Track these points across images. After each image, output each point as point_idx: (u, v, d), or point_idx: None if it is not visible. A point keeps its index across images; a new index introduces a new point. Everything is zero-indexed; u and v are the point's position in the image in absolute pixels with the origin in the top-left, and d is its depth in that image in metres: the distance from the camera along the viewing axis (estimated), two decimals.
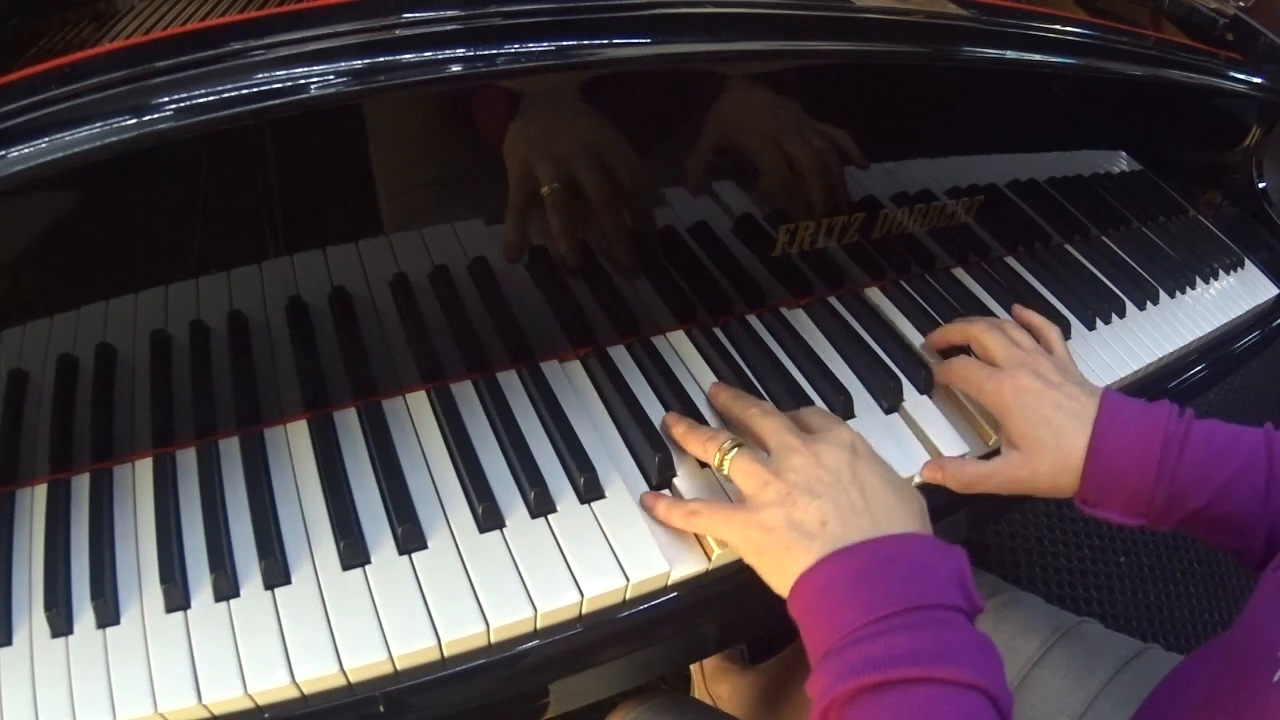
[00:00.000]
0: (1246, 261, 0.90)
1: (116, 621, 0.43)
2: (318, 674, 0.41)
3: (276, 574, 0.44)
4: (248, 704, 0.41)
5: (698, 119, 0.51)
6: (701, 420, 0.54)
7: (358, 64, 0.39)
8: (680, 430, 0.51)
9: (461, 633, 0.43)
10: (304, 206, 0.45)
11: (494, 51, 0.41)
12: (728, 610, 0.51)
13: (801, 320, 0.64)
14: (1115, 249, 0.82)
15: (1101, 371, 0.67)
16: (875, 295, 0.68)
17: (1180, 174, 0.90)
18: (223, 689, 0.40)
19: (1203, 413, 0.52)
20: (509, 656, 0.45)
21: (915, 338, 0.65)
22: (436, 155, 0.47)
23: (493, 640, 0.45)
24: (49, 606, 0.42)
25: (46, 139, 0.35)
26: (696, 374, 0.58)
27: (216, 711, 0.41)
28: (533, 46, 0.42)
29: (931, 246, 0.70)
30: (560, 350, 0.57)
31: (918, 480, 0.55)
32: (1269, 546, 0.49)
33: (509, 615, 0.44)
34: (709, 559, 0.48)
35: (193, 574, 0.44)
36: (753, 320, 0.63)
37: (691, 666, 1.08)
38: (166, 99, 0.36)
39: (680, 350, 0.60)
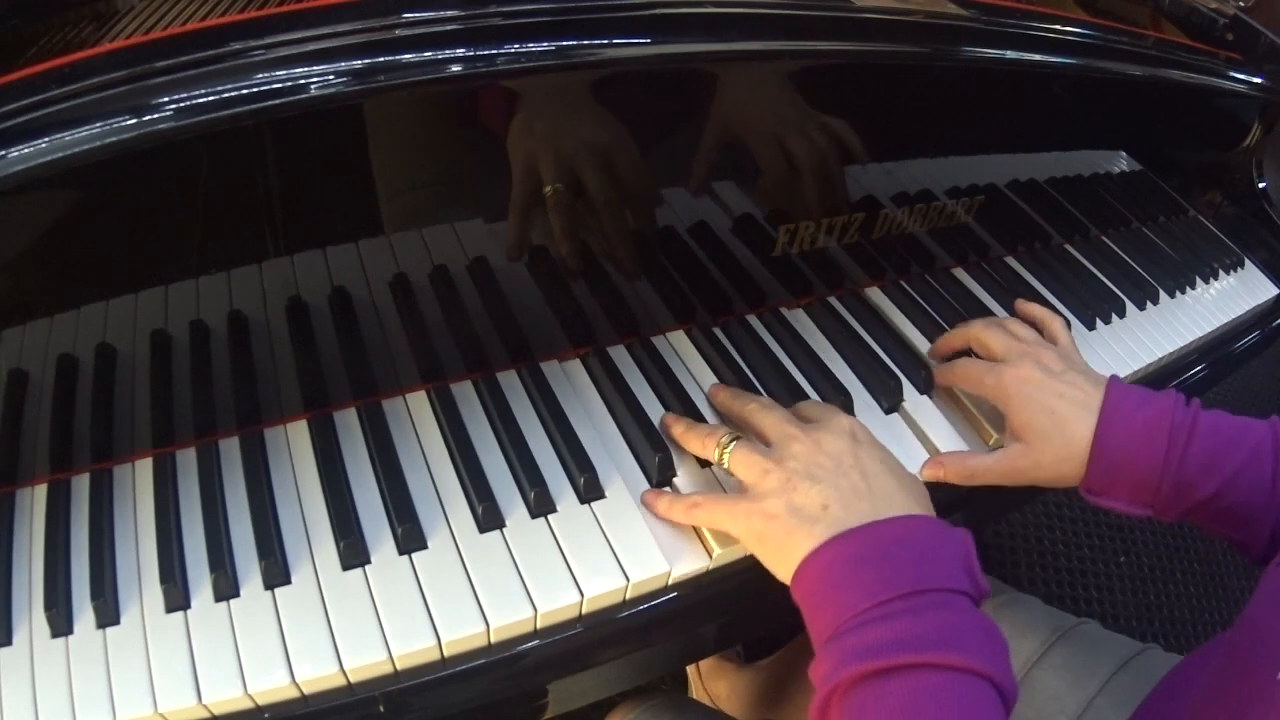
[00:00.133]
0: (1246, 261, 0.90)
1: (116, 621, 0.43)
2: (318, 674, 0.41)
3: (276, 574, 0.44)
4: (248, 704, 0.41)
5: (698, 119, 0.51)
6: (702, 420, 0.54)
7: (358, 64, 0.39)
8: (679, 430, 0.51)
9: (461, 633, 0.43)
10: (304, 206, 0.45)
11: (494, 51, 0.41)
12: (727, 611, 0.51)
13: (801, 320, 0.64)
14: (1115, 249, 0.82)
15: (1101, 371, 0.67)
16: (875, 295, 0.68)
17: (1180, 174, 0.90)
18: (223, 689, 0.40)
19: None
20: (509, 656, 0.45)
21: (915, 338, 0.65)
22: (436, 155, 0.47)
23: (493, 640, 0.45)
24: (49, 606, 0.42)
25: (46, 139, 0.35)
26: (696, 374, 0.58)
27: (216, 711, 0.41)
28: (533, 46, 0.42)
29: (931, 246, 0.70)
30: (560, 350, 0.57)
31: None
32: (1274, 539, 0.49)
33: (509, 615, 0.44)
34: (709, 559, 0.48)
35: (193, 574, 0.44)
36: (753, 320, 0.63)
37: (688, 666, 1.08)
38: (166, 99, 0.36)
39: (680, 350, 0.60)
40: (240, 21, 0.40)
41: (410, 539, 0.46)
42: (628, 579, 0.46)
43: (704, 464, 0.52)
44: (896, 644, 0.37)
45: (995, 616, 0.68)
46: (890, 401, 0.58)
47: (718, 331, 0.61)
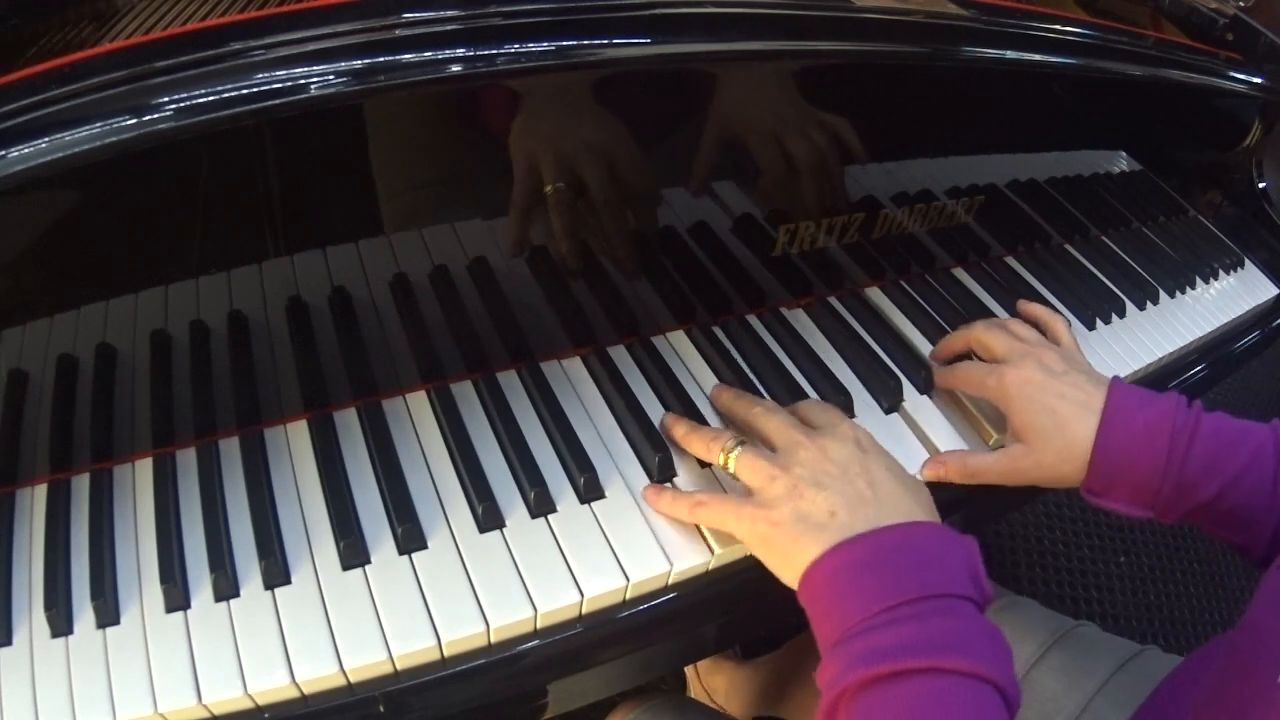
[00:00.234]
0: (1246, 261, 0.90)
1: (116, 621, 0.43)
2: (318, 674, 0.41)
3: (276, 574, 0.44)
4: (248, 704, 0.41)
5: (698, 119, 0.51)
6: (702, 420, 0.54)
7: (358, 64, 0.39)
8: (681, 431, 0.51)
9: (461, 633, 0.43)
10: (304, 206, 0.45)
11: (494, 51, 0.41)
12: (727, 611, 0.51)
13: (801, 320, 0.64)
14: (1115, 249, 0.82)
15: (1101, 371, 0.67)
16: (875, 295, 0.68)
17: (1180, 174, 0.90)
18: (223, 689, 0.40)
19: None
20: (509, 656, 0.45)
21: (915, 338, 0.65)
22: (436, 155, 0.47)
23: (493, 640, 0.45)
24: (49, 606, 0.42)
25: (46, 139, 0.35)
26: (696, 374, 0.58)
27: (216, 711, 0.41)
28: (533, 46, 0.42)
29: (931, 246, 0.70)
30: (560, 350, 0.57)
31: (919, 479, 0.55)
32: (1274, 542, 0.49)
33: (509, 615, 0.44)
34: (709, 560, 0.48)
35: (193, 574, 0.44)
36: (753, 320, 0.63)
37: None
38: (166, 99, 0.36)
39: (680, 350, 0.60)
40: (240, 21, 0.40)
41: (410, 539, 0.46)
42: (628, 579, 0.46)
43: (704, 464, 0.52)
44: (903, 648, 0.37)
45: (993, 619, 0.68)
46: (890, 401, 0.58)
47: (718, 331, 0.61)
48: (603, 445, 0.52)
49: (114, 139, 0.35)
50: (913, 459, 0.55)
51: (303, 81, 0.38)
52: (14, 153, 0.35)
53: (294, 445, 0.50)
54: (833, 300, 0.66)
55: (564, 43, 0.43)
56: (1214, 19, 0.77)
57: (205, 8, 0.44)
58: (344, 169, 0.45)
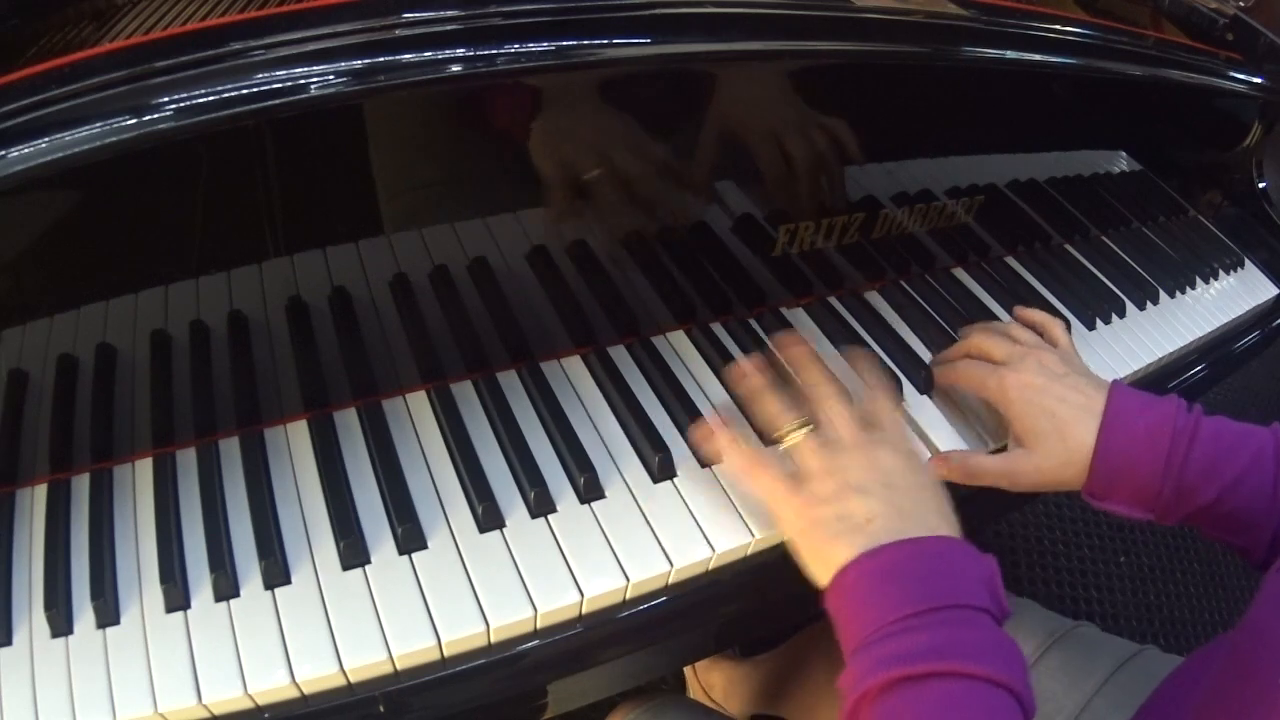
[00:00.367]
0: (1246, 261, 0.90)
1: (116, 621, 0.43)
2: (318, 674, 0.41)
3: (276, 574, 0.44)
4: (248, 704, 0.41)
5: (697, 119, 0.51)
6: (701, 419, 0.54)
7: (358, 64, 0.39)
8: (756, 384, 0.50)
9: (461, 633, 0.43)
10: (304, 206, 0.45)
11: (494, 51, 0.41)
12: (727, 611, 0.51)
13: (801, 320, 0.64)
14: (1115, 249, 0.82)
15: (1101, 371, 0.67)
16: (875, 295, 0.68)
17: (1180, 174, 0.89)
18: (223, 689, 0.40)
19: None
20: (509, 656, 0.45)
21: (915, 338, 0.65)
22: (436, 155, 0.47)
23: (493, 640, 0.45)
24: (49, 606, 0.42)
25: (46, 139, 0.35)
26: (696, 374, 0.58)
27: (216, 711, 0.41)
28: (533, 46, 0.42)
29: (931, 246, 0.70)
30: (560, 350, 0.57)
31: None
32: (1274, 544, 0.49)
33: (509, 615, 0.44)
34: (709, 561, 0.48)
35: (193, 574, 0.44)
36: (752, 321, 0.63)
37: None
38: (166, 99, 0.36)
39: (680, 350, 0.60)
40: (240, 21, 0.40)
41: (410, 539, 0.46)
42: (628, 579, 0.46)
43: (704, 465, 0.52)
44: (925, 653, 0.38)
45: None
46: None
47: (718, 331, 0.61)
48: (603, 445, 0.52)
49: (114, 139, 0.35)
50: None
51: (303, 81, 0.38)
52: (14, 153, 0.35)
53: (294, 445, 0.50)
54: (832, 300, 0.66)
55: (564, 43, 0.43)
56: (1214, 19, 0.77)
57: (205, 8, 0.44)
58: (344, 169, 0.45)
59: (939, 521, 0.45)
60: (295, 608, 0.43)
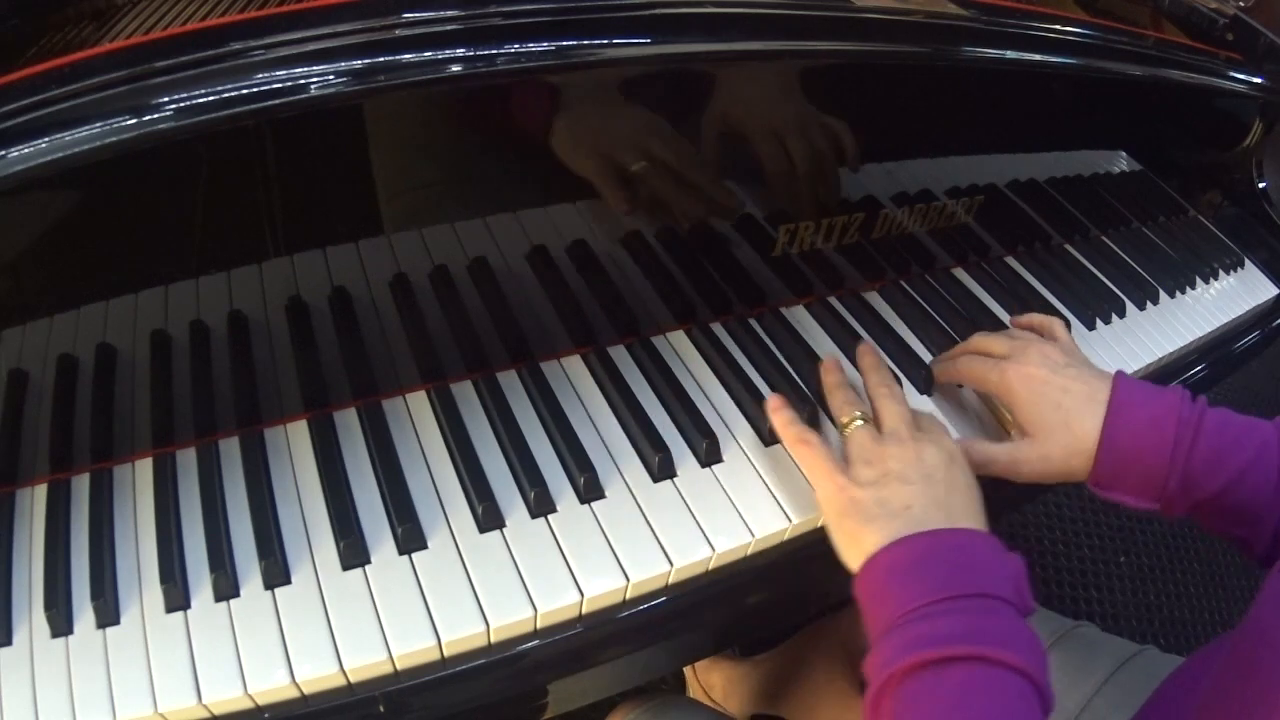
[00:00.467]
0: (1246, 261, 0.90)
1: (116, 621, 0.43)
2: (318, 674, 0.41)
3: (276, 574, 0.44)
4: (248, 704, 0.41)
5: (697, 119, 0.51)
6: (701, 419, 0.54)
7: (358, 64, 0.39)
8: (833, 380, 0.55)
9: (461, 633, 0.43)
10: (304, 206, 0.45)
11: (494, 51, 0.41)
12: (727, 611, 0.51)
13: (802, 320, 0.64)
14: (1115, 249, 0.82)
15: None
16: (875, 295, 0.68)
17: (1180, 174, 0.89)
18: (223, 689, 0.40)
19: None
20: (509, 656, 0.45)
21: (915, 338, 0.65)
22: (436, 155, 0.47)
23: (493, 640, 0.45)
24: (49, 606, 0.42)
25: (46, 139, 0.35)
26: (696, 374, 0.58)
27: (216, 711, 0.41)
28: (533, 46, 0.42)
29: (931, 246, 0.70)
30: (560, 350, 0.57)
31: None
32: (1276, 538, 0.49)
33: (509, 615, 0.44)
34: (709, 561, 0.48)
35: (193, 574, 0.44)
36: (753, 320, 0.63)
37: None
38: (166, 99, 0.36)
39: (680, 350, 0.60)
40: (240, 21, 0.40)
41: (410, 539, 0.46)
42: (628, 579, 0.46)
43: (704, 465, 0.52)
44: (952, 637, 0.39)
45: None
46: None
47: (718, 331, 0.61)
48: (603, 445, 0.52)
49: (114, 139, 0.35)
50: None
51: (303, 81, 0.38)
52: (14, 153, 0.35)
53: (294, 445, 0.50)
54: (833, 300, 0.66)
55: (564, 43, 0.43)
56: (1214, 19, 0.77)
57: (205, 8, 0.44)
58: (344, 169, 0.45)
59: (973, 519, 0.46)
60: (295, 608, 0.43)
